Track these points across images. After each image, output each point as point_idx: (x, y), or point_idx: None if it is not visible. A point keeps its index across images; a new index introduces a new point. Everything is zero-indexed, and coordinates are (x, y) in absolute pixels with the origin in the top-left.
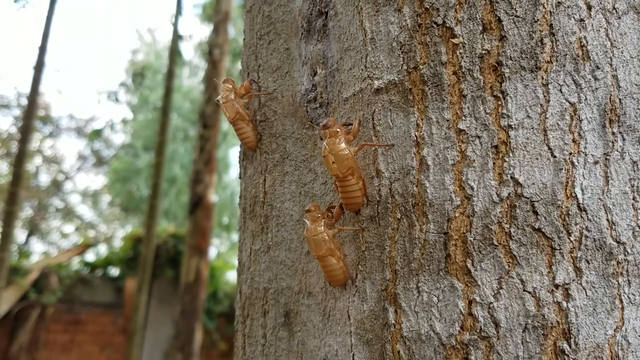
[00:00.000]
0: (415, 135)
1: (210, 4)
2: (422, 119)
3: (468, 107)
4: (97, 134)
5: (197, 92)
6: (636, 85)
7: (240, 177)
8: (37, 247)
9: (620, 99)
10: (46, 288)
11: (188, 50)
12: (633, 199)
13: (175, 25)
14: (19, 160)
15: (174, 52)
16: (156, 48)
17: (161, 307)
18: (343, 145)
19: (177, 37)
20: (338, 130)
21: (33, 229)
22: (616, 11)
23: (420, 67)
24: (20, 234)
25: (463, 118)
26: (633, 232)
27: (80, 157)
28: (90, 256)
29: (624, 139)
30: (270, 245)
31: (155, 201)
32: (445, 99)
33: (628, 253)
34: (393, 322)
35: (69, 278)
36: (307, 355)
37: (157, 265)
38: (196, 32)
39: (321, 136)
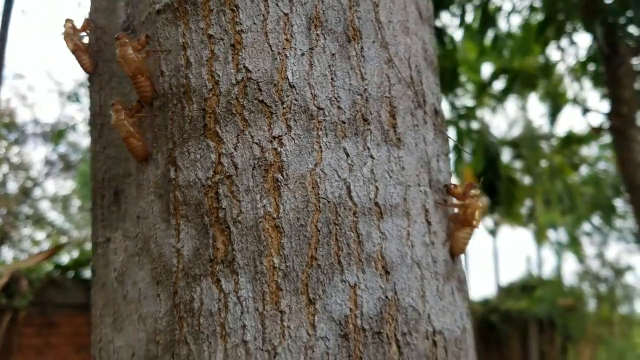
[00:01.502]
0: (182, 42)
1: None
2: (186, 30)
3: (215, 18)
4: (60, 135)
5: None
6: (337, 0)
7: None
8: (9, 256)
9: (323, 11)
10: (17, 292)
11: None
12: (331, 79)
13: None
14: None
15: None
16: None
17: None
18: (130, 51)
19: None
20: (127, 40)
21: (3, 238)
22: None
23: None
24: None
25: (211, 26)
26: (330, 101)
27: (47, 162)
28: (61, 258)
29: (325, 38)
30: (104, 145)
31: None
32: (199, 13)
33: (326, 115)
34: (173, 177)
35: (40, 281)
36: (128, 218)
37: None
38: None
39: (115, 46)
